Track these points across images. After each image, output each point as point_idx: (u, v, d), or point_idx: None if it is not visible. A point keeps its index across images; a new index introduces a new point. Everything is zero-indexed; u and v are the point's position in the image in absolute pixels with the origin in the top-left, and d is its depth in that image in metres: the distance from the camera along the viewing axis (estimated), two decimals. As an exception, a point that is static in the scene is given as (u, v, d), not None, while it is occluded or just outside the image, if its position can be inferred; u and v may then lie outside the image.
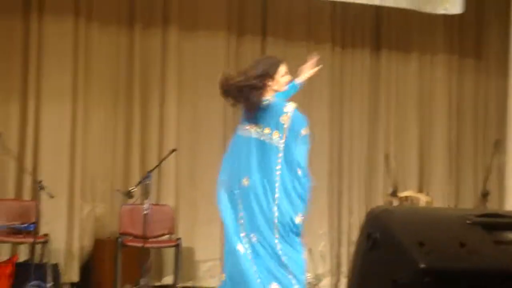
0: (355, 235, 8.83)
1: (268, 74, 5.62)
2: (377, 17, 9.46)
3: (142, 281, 7.19)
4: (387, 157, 7.75)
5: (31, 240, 7.35)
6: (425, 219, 2.35)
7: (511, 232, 2.39)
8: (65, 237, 8.23)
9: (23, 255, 7.99)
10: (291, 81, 5.84)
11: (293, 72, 5.88)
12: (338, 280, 9.11)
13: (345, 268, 9.06)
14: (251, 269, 5.55)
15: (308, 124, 5.63)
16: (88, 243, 8.37)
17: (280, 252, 5.58)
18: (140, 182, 7.65)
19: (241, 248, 5.59)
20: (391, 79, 9.52)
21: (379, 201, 9.06)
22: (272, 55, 6.82)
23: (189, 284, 8.52)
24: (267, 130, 5.62)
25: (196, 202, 8.71)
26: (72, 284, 8.18)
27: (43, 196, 7.21)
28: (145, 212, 7.26)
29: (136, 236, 7.81)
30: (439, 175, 9.59)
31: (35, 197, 7.61)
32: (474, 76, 9.85)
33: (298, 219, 5.59)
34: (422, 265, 2.16)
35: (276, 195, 5.56)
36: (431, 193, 9.35)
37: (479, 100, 9.88)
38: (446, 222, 2.32)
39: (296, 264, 5.61)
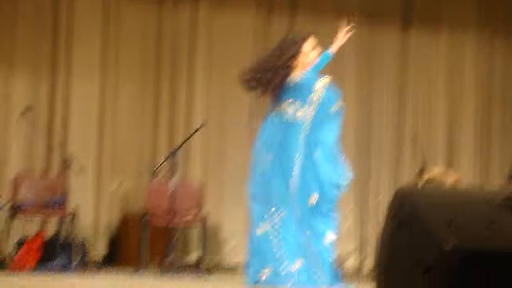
0: (381, 214, 8.80)
1: (291, 54, 5.61)
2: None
3: (168, 258, 7.22)
4: (415, 136, 7.71)
5: (59, 215, 7.41)
6: (452, 199, 2.33)
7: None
8: (92, 212, 8.29)
9: (51, 229, 8.06)
10: (321, 52, 5.82)
11: (323, 46, 5.86)
12: (364, 259, 9.10)
13: (371, 247, 9.04)
14: (273, 247, 5.57)
15: (339, 98, 5.64)
16: (115, 219, 8.42)
17: (303, 230, 5.60)
18: (167, 159, 7.66)
19: (266, 226, 5.61)
20: (420, 57, 9.43)
21: (407, 180, 9.02)
22: (297, 30, 6.79)
23: (215, 261, 8.55)
24: (294, 109, 5.62)
25: (223, 180, 8.72)
26: (99, 259, 8.23)
27: (71, 171, 7.25)
28: (172, 189, 7.27)
29: (162, 213, 7.84)
30: (467, 154, 9.51)
31: (64, 172, 7.66)
32: (504, 53, 9.74)
33: (312, 199, 5.61)
34: (449, 245, 2.14)
35: (295, 171, 5.57)
36: (459, 172, 9.28)
37: (509, 78, 9.77)
38: (473, 203, 2.30)
39: (319, 242, 5.63)
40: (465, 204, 2.27)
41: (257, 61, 5.75)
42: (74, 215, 7.63)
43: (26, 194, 7.76)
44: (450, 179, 7.53)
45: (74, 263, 6.98)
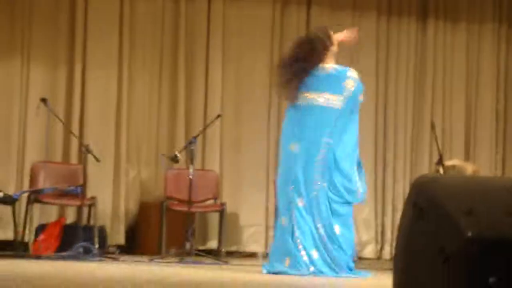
0: (400, 203, 8.80)
1: (329, 40, 5.73)
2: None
3: (187, 245, 7.25)
4: (433, 125, 7.68)
5: (78, 202, 7.45)
6: (472, 188, 2.33)
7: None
8: (111, 200, 8.34)
9: (70, 217, 8.12)
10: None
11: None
12: (382, 248, 9.11)
13: (389, 236, 9.05)
14: (295, 237, 5.60)
15: (363, 91, 5.76)
16: (133, 206, 8.47)
17: (322, 218, 5.62)
18: (185, 147, 7.69)
19: (289, 215, 5.65)
20: (438, 48, 9.41)
21: (425, 170, 9.01)
22: (318, 26, 6.83)
23: (233, 248, 8.58)
24: (326, 95, 5.67)
25: (241, 168, 8.75)
26: (118, 246, 8.29)
27: (90, 159, 7.29)
28: (190, 176, 7.30)
29: (181, 201, 7.87)
30: (485, 144, 9.49)
31: (82, 160, 7.70)
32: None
33: (342, 187, 5.64)
34: (469, 234, 2.14)
35: (319, 157, 5.60)
36: (478, 162, 9.26)
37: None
38: (493, 191, 2.29)
39: (341, 234, 5.67)
40: (484, 192, 2.27)
41: (288, 57, 5.81)
42: (93, 203, 7.67)
43: (44, 182, 7.82)
44: (468, 169, 7.51)
45: (94, 250, 7.02)
